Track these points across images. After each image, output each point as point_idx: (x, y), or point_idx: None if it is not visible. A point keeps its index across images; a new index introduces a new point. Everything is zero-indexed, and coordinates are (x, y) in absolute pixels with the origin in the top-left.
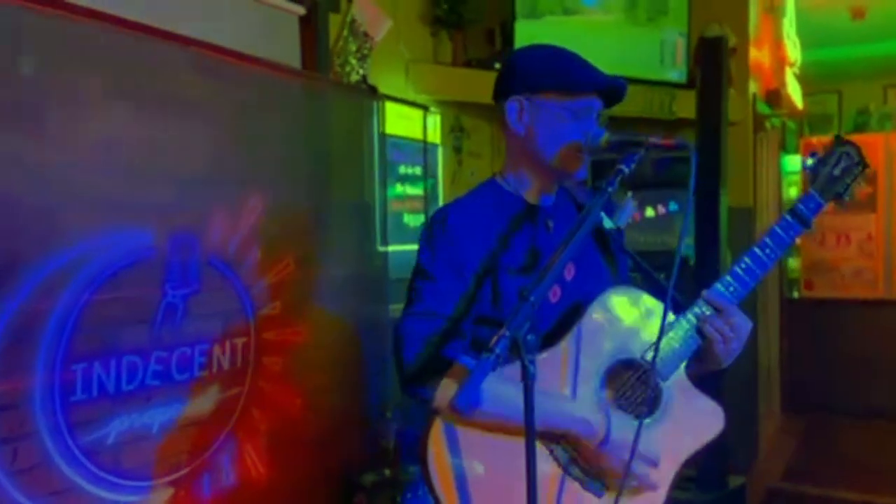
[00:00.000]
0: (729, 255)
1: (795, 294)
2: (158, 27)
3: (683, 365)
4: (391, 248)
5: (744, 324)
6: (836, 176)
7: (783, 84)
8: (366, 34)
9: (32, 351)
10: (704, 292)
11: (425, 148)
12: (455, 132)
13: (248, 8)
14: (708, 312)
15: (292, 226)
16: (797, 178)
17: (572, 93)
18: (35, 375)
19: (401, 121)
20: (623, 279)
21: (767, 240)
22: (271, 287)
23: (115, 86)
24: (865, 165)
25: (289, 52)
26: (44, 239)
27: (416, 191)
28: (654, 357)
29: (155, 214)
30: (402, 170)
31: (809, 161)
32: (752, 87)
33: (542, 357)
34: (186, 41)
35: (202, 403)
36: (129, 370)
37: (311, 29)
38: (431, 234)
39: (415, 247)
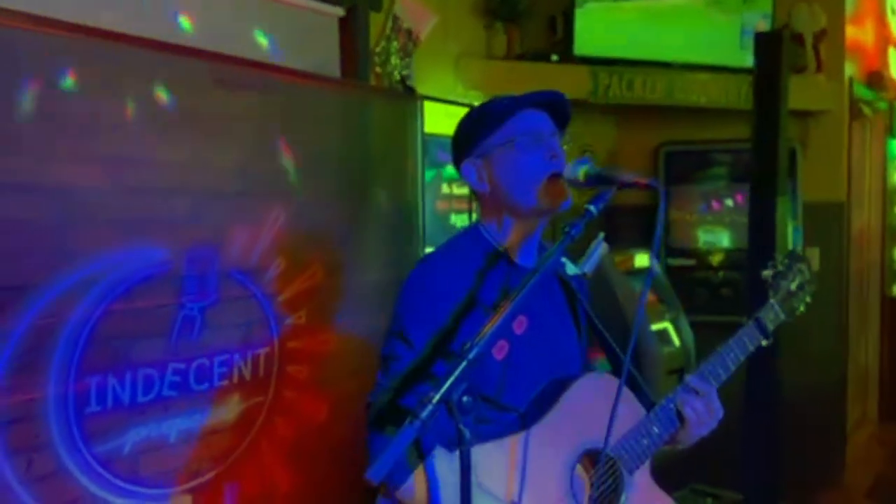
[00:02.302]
0: (814, 253)
1: None
2: (187, 38)
3: (648, 462)
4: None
5: (720, 409)
6: (793, 291)
7: (886, 65)
8: (409, 31)
9: (46, 364)
10: (688, 377)
11: None
12: None
13: (285, 12)
14: (686, 396)
15: (322, 233)
16: None
17: (502, 126)
18: (48, 387)
19: (447, 119)
20: (584, 335)
21: (732, 342)
22: (297, 296)
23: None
24: (815, 283)
25: (328, 54)
26: (58, 255)
27: (462, 190)
28: (604, 452)
29: (174, 227)
30: (449, 170)
31: (766, 272)
32: (849, 70)
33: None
34: (207, 55)
35: (222, 413)
36: (144, 382)
37: (351, 30)
38: (412, 293)
39: None
